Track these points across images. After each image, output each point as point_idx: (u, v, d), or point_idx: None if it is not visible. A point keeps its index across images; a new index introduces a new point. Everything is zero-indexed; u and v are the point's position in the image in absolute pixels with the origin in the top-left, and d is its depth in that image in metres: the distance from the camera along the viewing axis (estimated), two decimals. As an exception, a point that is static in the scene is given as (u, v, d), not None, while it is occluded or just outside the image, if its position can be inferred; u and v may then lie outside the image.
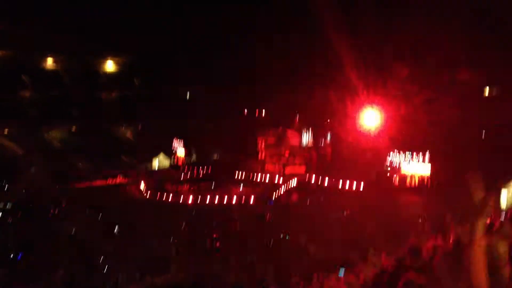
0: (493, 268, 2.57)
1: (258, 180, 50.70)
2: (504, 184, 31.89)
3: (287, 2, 51.32)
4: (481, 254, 2.35)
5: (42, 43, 58.54)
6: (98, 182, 47.98)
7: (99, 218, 32.44)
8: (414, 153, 42.82)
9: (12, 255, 22.86)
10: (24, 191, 43.02)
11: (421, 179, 41.86)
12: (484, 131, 49.73)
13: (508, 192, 31.23)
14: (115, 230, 28.09)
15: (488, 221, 2.46)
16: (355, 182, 42.56)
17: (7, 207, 35.91)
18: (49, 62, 66.95)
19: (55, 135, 63.92)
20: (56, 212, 34.64)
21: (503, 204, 30.37)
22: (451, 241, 6.98)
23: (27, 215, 32.60)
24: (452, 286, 3.97)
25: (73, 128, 65.61)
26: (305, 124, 54.59)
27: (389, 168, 43.56)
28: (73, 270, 20.22)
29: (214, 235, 24.85)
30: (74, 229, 28.79)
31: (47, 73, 66.62)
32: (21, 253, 22.64)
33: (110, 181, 48.75)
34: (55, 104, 62.57)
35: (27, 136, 58.40)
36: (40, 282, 19.06)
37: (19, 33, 53.48)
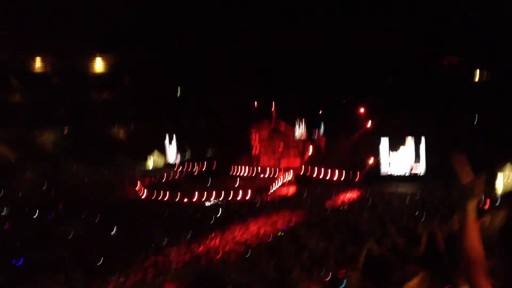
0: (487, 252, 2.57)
1: (254, 174, 50.76)
2: (499, 168, 32.10)
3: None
4: (476, 238, 2.35)
5: (32, 45, 58.02)
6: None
7: (96, 220, 32.37)
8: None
9: (11, 260, 22.77)
10: (20, 195, 42.90)
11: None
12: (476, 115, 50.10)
13: (504, 176, 31.42)
14: (113, 231, 28.01)
15: (480, 205, 2.47)
16: (350, 173, 42.74)
17: (3, 212, 35.74)
18: (39, 63, 66.51)
19: (47, 139, 63.62)
20: (52, 214, 34.52)
21: (499, 188, 30.57)
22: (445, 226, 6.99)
23: (23, 219, 32.40)
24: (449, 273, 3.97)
25: (65, 130, 65.31)
26: (299, 116, 54.56)
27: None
28: (72, 274, 20.15)
29: (213, 233, 24.86)
30: (72, 232, 28.77)
31: (37, 75, 66.18)
32: (22, 258, 22.56)
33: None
34: (46, 107, 62.26)
35: (19, 140, 58.07)
36: (39, 286, 18.99)
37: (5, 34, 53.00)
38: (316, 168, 47.22)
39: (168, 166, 60.81)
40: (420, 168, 40.84)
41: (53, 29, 52.76)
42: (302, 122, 54.23)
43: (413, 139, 41.23)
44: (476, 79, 56.23)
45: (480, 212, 2.65)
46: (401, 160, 41.86)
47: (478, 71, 56.03)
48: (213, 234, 24.76)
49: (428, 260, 6.31)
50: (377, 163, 43.21)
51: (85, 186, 47.19)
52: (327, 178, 43.96)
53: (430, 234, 9.67)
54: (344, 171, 43.20)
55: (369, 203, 29.65)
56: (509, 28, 40.89)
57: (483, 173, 2.43)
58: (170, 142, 64.22)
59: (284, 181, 45.64)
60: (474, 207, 2.35)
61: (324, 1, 51.59)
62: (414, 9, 48.64)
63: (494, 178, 31.19)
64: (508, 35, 41.90)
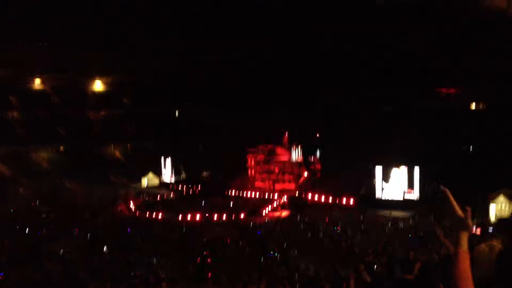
0: (480, 283, 2.64)
1: (248, 196, 50.63)
2: (492, 196, 32.19)
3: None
4: (467, 268, 2.43)
5: (34, 62, 58.57)
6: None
7: (88, 237, 32.12)
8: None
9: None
10: (11, 211, 42.59)
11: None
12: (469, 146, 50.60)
13: (497, 205, 31.49)
14: (104, 250, 27.77)
15: (471, 233, 2.52)
16: (345, 198, 42.72)
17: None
18: (38, 81, 66.93)
19: (42, 155, 63.53)
20: (44, 231, 34.23)
21: (492, 217, 30.62)
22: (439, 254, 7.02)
23: (14, 235, 32.10)
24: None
25: (61, 148, 65.29)
26: (295, 140, 54.84)
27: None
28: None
29: (205, 252, 24.67)
30: (62, 250, 28.52)
31: (34, 93, 66.58)
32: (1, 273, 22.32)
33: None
34: (43, 125, 62.42)
35: (14, 156, 57.97)
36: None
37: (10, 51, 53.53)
38: (310, 192, 47.20)
39: (163, 186, 60.60)
40: (414, 194, 40.88)
41: (54, 46, 53.33)
42: (298, 146, 54.44)
43: (406, 166, 41.36)
44: (472, 108, 57.02)
45: (472, 239, 2.72)
46: (394, 186, 41.92)
47: (474, 102, 56.93)
48: (205, 252, 24.64)
49: (421, 286, 6.34)
50: (371, 189, 43.25)
51: (78, 204, 46.82)
52: (322, 202, 43.90)
53: (422, 260, 9.70)
54: (338, 196, 43.19)
55: (362, 228, 29.61)
56: (506, 61, 41.70)
57: (469, 207, 2.52)
58: (165, 162, 64.15)
59: (278, 204, 45.52)
60: (466, 238, 2.43)
61: (323, 28, 52.45)
62: (412, 39, 49.57)
63: (487, 206, 31.29)
64: (506, 68, 42.70)
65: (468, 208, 2.55)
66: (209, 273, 19.87)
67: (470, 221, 2.53)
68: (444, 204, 2.56)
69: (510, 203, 30.75)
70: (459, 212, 2.54)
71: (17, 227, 35.07)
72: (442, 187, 2.56)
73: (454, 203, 2.55)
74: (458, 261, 2.46)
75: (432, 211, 31.27)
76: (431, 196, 35.71)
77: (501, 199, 31.49)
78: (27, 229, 34.50)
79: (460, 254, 2.48)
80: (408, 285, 7.45)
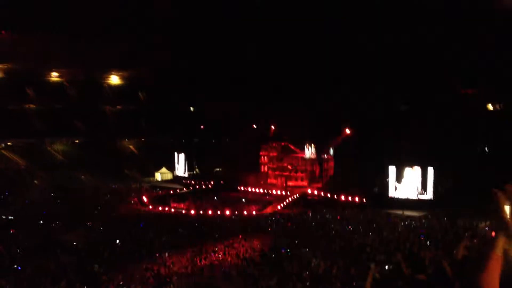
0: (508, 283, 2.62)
1: (261, 192, 50.70)
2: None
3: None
4: (495, 273, 2.40)
5: (50, 56, 59.03)
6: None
7: (101, 230, 32.43)
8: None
9: (13, 266, 22.87)
10: (26, 202, 43.11)
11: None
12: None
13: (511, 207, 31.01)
14: (117, 242, 28.01)
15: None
16: (357, 196, 42.55)
17: (9, 218, 35.94)
18: (54, 75, 67.55)
19: (58, 148, 64.20)
20: (57, 224, 34.57)
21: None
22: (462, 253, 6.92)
23: (29, 226, 32.51)
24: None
25: (76, 142, 65.91)
26: (308, 137, 54.74)
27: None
28: (73, 282, 20.17)
29: (216, 247, 24.80)
30: (75, 242, 28.83)
31: (50, 86, 67.17)
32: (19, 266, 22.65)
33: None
34: (59, 118, 63.04)
35: (30, 148, 58.70)
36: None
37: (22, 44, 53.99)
38: (323, 189, 47.12)
39: (176, 181, 60.97)
40: (428, 194, 40.55)
41: (70, 39, 53.66)
42: (311, 144, 54.36)
43: (420, 167, 41.03)
44: (489, 109, 56.27)
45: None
46: (407, 186, 41.64)
47: (491, 102, 56.18)
48: (216, 248, 24.76)
49: (434, 286, 6.29)
50: (384, 188, 43.00)
51: (92, 196, 47.29)
52: (334, 199, 43.77)
53: (435, 259, 9.61)
54: (351, 194, 43.02)
55: (374, 226, 29.45)
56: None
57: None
58: (178, 158, 64.51)
59: (290, 200, 45.52)
60: (502, 243, 2.40)
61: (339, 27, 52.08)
62: (429, 39, 49.01)
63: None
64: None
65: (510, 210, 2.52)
66: (220, 268, 20.00)
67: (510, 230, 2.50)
68: (493, 206, 2.53)
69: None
70: (506, 216, 2.51)
71: (32, 219, 35.52)
72: (495, 190, 2.53)
73: (504, 206, 2.52)
74: (491, 264, 2.41)
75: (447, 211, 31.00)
76: (446, 196, 35.39)
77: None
78: (42, 219, 34.98)
79: (494, 258, 2.44)
80: (420, 284, 7.40)
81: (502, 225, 2.46)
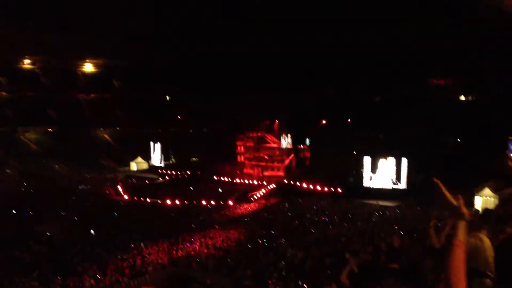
0: (474, 272, 2.64)
1: (237, 182, 50.72)
2: (477, 190, 32.46)
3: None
4: (461, 257, 2.40)
5: (25, 44, 57.76)
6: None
7: (75, 220, 32.08)
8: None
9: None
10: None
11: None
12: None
13: (482, 198, 31.81)
14: (91, 232, 27.78)
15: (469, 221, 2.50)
16: (332, 187, 42.92)
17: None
18: (26, 62, 66.11)
19: (30, 137, 63.01)
20: (31, 213, 34.03)
21: (478, 207, 30.86)
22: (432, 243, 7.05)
23: (1, 216, 31.88)
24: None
25: (50, 131, 64.77)
26: (285, 128, 54.92)
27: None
28: (48, 272, 19.96)
29: (193, 238, 24.77)
30: (49, 232, 28.48)
31: (23, 74, 65.76)
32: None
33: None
34: (31, 106, 61.84)
35: (1, 137, 57.37)
36: (14, 283, 18.76)
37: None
38: (299, 180, 47.37)
39: (152, 170, 60.50)
40: (402, 184, 41.14)
41: (46, 27, 52.56)
42: (288, 134, 54.51)
43: (394, 157, 41.57)
44: (461, 100, 57.39)
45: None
46: (383, 175, 42.16)
47: (463, 93, 57.33)
48: (192, 238, 24.73)
49: (408, 274, 6.40)
50: (359, 178, 43.47)
51: (67, 186, 46.64)
52: (310, 189, 44.06)
53: (408, 248, 9.80)
54: (326, 184, 43.38)
55: (349, 216, 29.83)
56: (497, 53, 41.85)
57: (461, 195, 2.50)
58: (154, 147, 63.95)
59: (266, 190, 45.66)
60: (463, 227, 2.41)
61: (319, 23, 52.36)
62: (404, 30, 49.60)
63: (473, 197, 31.57)
64: (496, 60, 42.86)
65: (460, 196, 2.53)
66: (196, 259, 20.00)
67: (464, 209, 2.51)
68: (436, 195, 2.55)
69: (495, 196, 30.99)
70: (453, 201, 2.52)
71: (4, 209, 34.83)
72: (433, 178, 2.55)
73: (447, 193, 2.53)
74: (453, 251, 2.41)
75: (420, 201, 31.57)
76: (419, 186, 35.95)
77: (486, 192, 31.76)
78: (15, 210, 34.36)
79: (456, 244, 2.44)
80: (394, 273, 7.50)
81: (453, 210, 2.50)
